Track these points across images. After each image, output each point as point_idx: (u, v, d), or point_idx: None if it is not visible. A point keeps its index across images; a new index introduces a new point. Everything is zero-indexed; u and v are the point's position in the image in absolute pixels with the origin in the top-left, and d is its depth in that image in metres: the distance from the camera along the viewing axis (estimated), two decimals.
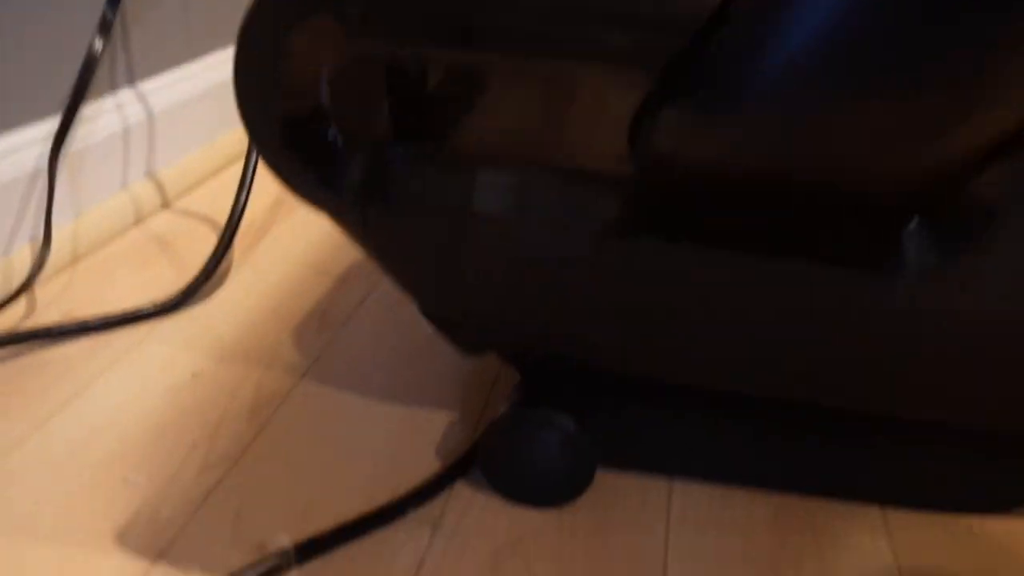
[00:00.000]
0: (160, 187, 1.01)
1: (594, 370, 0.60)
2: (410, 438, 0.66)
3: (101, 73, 0.93)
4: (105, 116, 0.94)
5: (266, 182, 1.09)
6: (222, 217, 1.00)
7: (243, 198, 0.85)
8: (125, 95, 0.98)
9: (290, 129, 0.52)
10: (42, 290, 0.83)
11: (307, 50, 0.50)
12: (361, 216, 0.51)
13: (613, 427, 0.61)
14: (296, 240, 0.95)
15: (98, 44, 0.90)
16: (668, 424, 0.61)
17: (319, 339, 0.77)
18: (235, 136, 1.15)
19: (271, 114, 0.51)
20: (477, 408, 0.69)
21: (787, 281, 0.48)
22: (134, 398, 0.69)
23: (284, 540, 0.54)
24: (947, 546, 0.58)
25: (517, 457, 0.58)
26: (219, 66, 1.14)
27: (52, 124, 0.86)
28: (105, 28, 0.91)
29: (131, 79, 0.99)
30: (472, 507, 0.60)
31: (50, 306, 0.80)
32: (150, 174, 1.01)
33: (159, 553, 0.55)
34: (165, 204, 1.02)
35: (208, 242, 0.94)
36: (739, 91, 0.45)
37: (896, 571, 0.56)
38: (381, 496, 0.60)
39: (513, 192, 0.51)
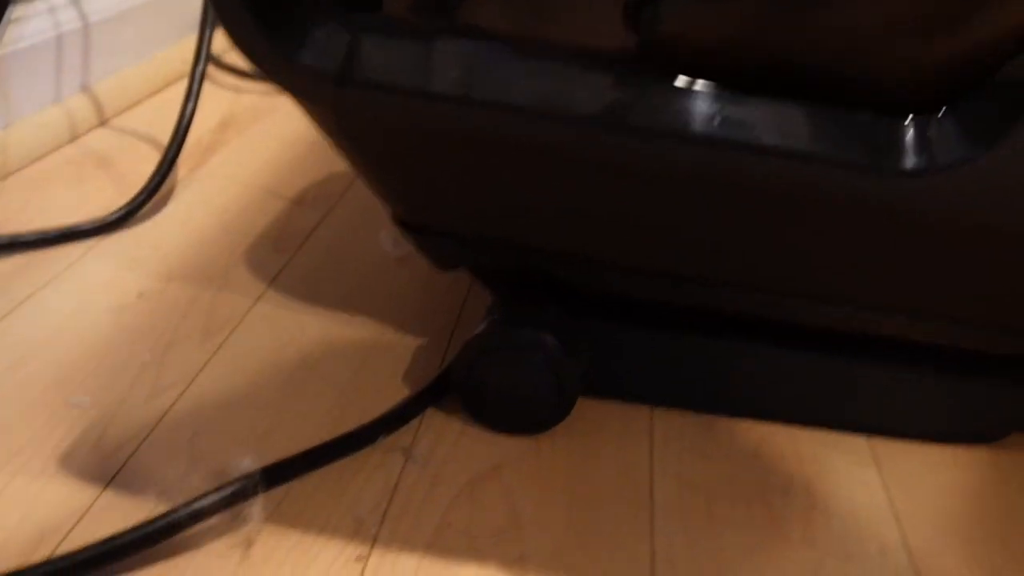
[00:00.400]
0: (96, 102, 0.94)
1: (571, 287, 0.57)
2: (375, 363, 0.62)
3: None
4: (37, 20, 0.86)
5: (212, 102, 1.02)
6: (163, 136, 0.93)
7: (189, 108, 0.79)
8: None
9: None
10: None
11: None
12: (334, 98, 0.46)
13: (592, 352, 0.58)
14: (246, 162, 0.89)
15: None
16: (649, 350, 0.58)
17: (275, 261, 0.73)
18: (177, 53, 1.08)
19: None
20: (445, 333, 0.66)
21: (798, 178, 0.45)
22: (73, 318, 0.63)
23: (247, 464, 0.50)
24: (935, 476, 0.57)
25: (495, 379, 0.55)
26: None
27: None
28: None
29: None
30: (446, 434, 0.56)
31: None
32: (85, 87, 0.94)
33: (108, 479, 0.50)
34: (102, 120, 0.95)
35: (150, 161, 0.87)
36: None
37: (887, 500, 0.54)
38: (347, 423, 0.56)
39: (500, 72, 0.46)
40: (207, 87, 1.03)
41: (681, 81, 0.45)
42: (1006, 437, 0.59)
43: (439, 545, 0.48)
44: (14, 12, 0.83)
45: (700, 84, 0.45)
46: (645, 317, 0.57)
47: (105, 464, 0.51)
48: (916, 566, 0.50)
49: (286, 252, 0.74)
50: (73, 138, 0.90)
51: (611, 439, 0.57)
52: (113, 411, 0.55)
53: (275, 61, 0.46)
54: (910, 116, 0.44)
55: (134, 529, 0.45)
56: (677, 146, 0.45)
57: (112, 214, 0.74)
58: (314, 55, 0.46)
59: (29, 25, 0.85)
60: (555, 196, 0.50)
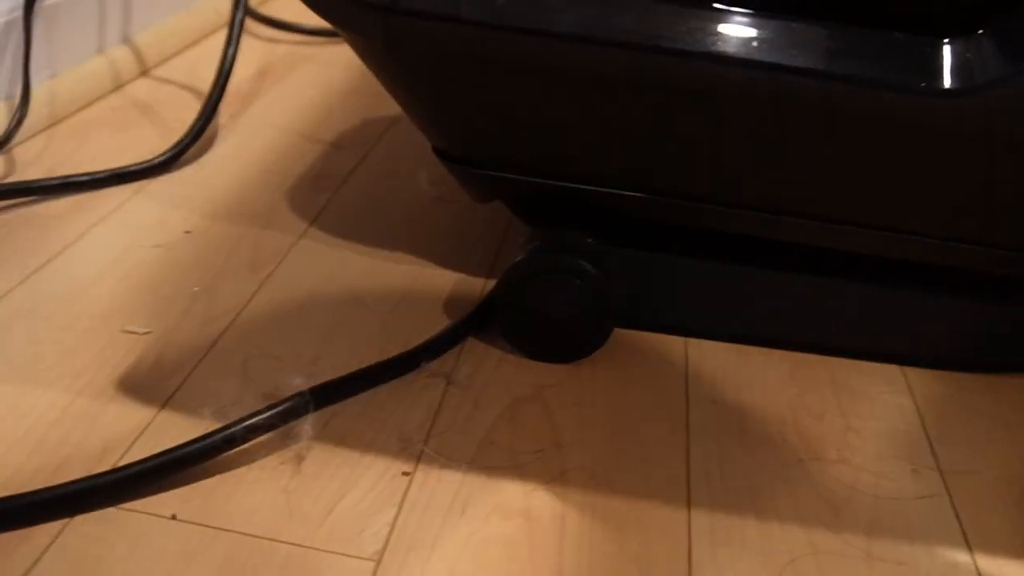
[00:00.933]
0: (138, 52, 0.96)
1: (607, 217, 0.58)
2: (416, 295, 0.63)
3: None
4: None
5: (250, 51, 1.04)
6: (203, 85, 0.95)
7: (231, 53, 0.80)
8: None
9: None
10: (20, 151, 0.78)
11: None
12: (383, 28, 0.48)
13: (627, 284, 0.59)
14: (284, 109, 0.91)
15: None
16: (684, 280, 0.60)
17: (316, 200, 0.74)
18: (212, 3, 1.10)
19: None
20: (483, 267, 0.67)
21: (836, 98, 0.46)
22: (125, 253, 0.65)
23: (298, 384, 0.52)
24: (968, 401, 0.57)
25: (535, 304, 0.56)
26: None
27: None
28: None
29: None
30: (487, 360, 0.58)
31: (30, 166, 0.76)
32: (127, 38, 0.96)
33: (165, 399, 0.52)
34: (143, 70, 0.97)
35: (191, 109, 0.89)
36: None
37: (920, 423, 0.55)
38: (391, 350, 0.58)
39: (545, 2, 0.47)
40: (244, 39, 1.05)
41: (721, 3, 0.46)
42: None
43: (482, 462, 0.50)
44: None
45: (739, 7, 0.46)
46: (680, 246, 0.59)
47: (162, 385, 0.53)
48: (947, 484, 0.51)
49: (327, 192, 0.76)
50: (117, 87, 0.92)
51: (648, 366, 0.58)
52: (167, 337, 0.57)
53: None
54: (948, 36, 0.44)
55: (192, 443, 0.47)
56: (718, 69, 0.46)
57: (158, 156, 0.76)
58: None
59: None
60: (595, 122, 0.51)
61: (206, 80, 0.96)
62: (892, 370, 0.60)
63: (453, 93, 0.52)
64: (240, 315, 0.60)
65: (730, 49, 0.46)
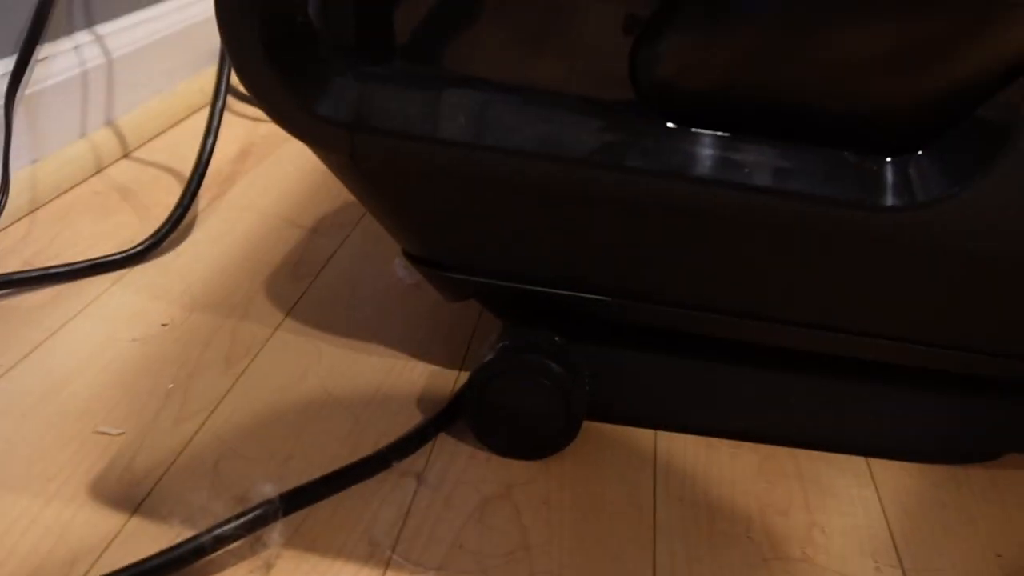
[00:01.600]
0: (120, 135, 0.97)
1: (578, 317, 0.59)
2: (390, 388, 0.64)
3: (58, 13, 0.89)
4: (62, 58, 0.90)
5: (231, 132, 1.05)
6: (185, 167, 0.96)
7: (210, 143, 0.82)
8: (83, 37, 0.94)
9: (274, 48, 0.49)
10: (0, 238, 0.79)
11: None
12: (349, 145, 0.49)
13: (598, 379, 0.60)
14: (264, 191, 0.92)
15: None
16: (652, 375, 0.60)
17: (293, 288, 0.75)
18: (197, 83, 1.12)
19: (254, 31, 0.48)
20: (457, 356, 0.68)
21: (788, 214, 0.47)
22: (102, 348, 0.66)
23: (268, 489, 0.53)
24: (933, 495, 0.58)
25: (504, 405, 0.57)
26: (181, 10, 1.10)
27: (7, 65, 0.82)
28: None
29: (89, 21, 0.95)
30: (457, 458, 0.58)
31: (9, 255, 0.77)
32: (109, 121, 0.97)
33: (136, 505, 0.53)
34: (125, 152, 0.98)
35: (171, 192, 0.90)
36: (743, 7, 0.44)
37: (884, 519, 0.56)
38: (363, 447, 0.58)
39: (505, 120, 0.49)
40: (226, 117, 1.07)
41: (675, 123, 0.48)
42: (1001, 456, 0.61)
43: (451, 567, 0.51)
44: (41, 52, 0.86)
45: (694, 127, 0.47)
46: (647, 342, 0.60)
47: (133, 491, 0.54)
48: None
49: (304, 280, 0.77)
50: (98, 170, 0.93)
51: (617, 461, 0.59)
52: (140, 438, 0.58)
53: (293, 113, 0.48)
54: (893, 155, 0.46)
55: (161, 554, 0.47)
56: (673, 186, 0.48)
57: (137, 246, 0.77)
58: (330, 106, 0.48)
59: (55, 64, 0.89)
60: (558, 233, 0.53)
61: (188, 160, 0.97)
62: (858, 462, 0.61)
63: (418, 205, 0.53)
64: (214, 413, 0.60)
65: (684, 167, 0.48)
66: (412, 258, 0.59)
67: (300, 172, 0.96)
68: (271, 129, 1.07)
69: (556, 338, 0.58)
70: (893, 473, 0.60)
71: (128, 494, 0.53)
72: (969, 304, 0.50)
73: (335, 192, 0.92)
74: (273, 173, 0.96)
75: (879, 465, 0.60)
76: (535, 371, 0.56)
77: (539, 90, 0.49)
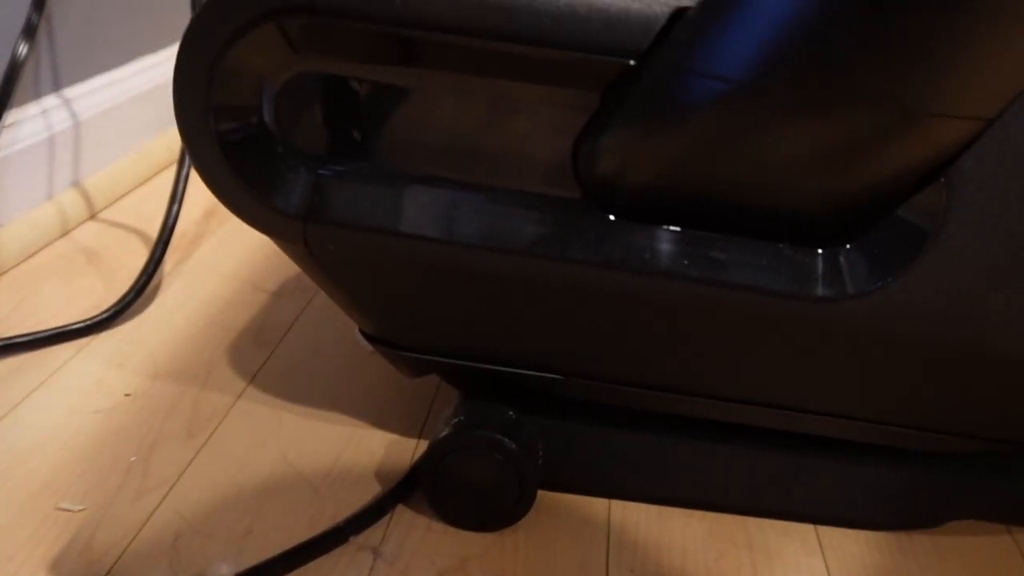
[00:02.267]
0: (87, 196, 0.98)
1: (533, 392, 0.61)
2: (349, 458, 0.65)
3: (26, 79, 0.91)
4: (30, 123, 0.91)
5: (196, 192, 1.06)
6: (150, 227, 0.97)
7: (174, 211, 0.83)
8: (50, 101, 0.95)
9: (230, 146, 0.51)
10: None
11: (249, 65, 0.49)
12: (302, 236, 0.51)
13: (552, 451, 0.62)
14: (228, 254, 0.93)
15: (23, 49, 0.87)
16: (605, 447, 0.62)
17: (256, 355, 0.76)
18: (163, 143, 1.13)
19: (211, 130, 0.50)
20: (416, 425, 0.69)
21: (724, 303, 0.49)
22: (64, 420, 0.67)
23: (224, 569, 0.54)
24: (879, 562, 0.60)
25: (460, 477, 0.58)
26: (147, 71, 1.12)
27: None
28: (30, 32, 0.88)
29: (57, 85, 0.96)
30: (414, 530, 0.60)
31: None
32: (76, 183, 0.98)
33: None
34: (92, 214, 0.99)
35: (137, 254, 0.92)
36: (679, 111, 0.46)
37: None
38: (322, 520, 0.59)
39: (453, 212, 0.51)
40: (192, 174, 1.08)
41: (617, 217, 0.50)
42: (943, 523, 0.63)
43: None
44: (8, 118, 0.88)
45: (636, 220, 0.50)
46: (600, 415, 0.61)
47: (92, 569, 0.54)
48: None
49: (267, 346, 0.78)
50: (64, 232, 0.94)
51: (570, 532, 0.60)
52: (101, 514, 0.58)
53: (249, 205, 0.50)
54: (824, 247, 0.49)
55: None
56: (614, 276, 0.50)
57: (101, 314, 0.78)
58: (283, 199, 0.50)
59: (23, 128, 0.90)
60: (508, 317, 0.55)
61: (153, 220, 0.98)
62: (807, 530, 0.62)
63: (371, 290, 0.55)
64: (174, 487, 0.61)
65: (627, 259, 0.50)
66: (368, 337, 0.60)
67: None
68: None
69: (510, 412, 0.60)
70: (840, 540, 0.61)
71: (87, 573, 0.54)
72: (895, 384, 0.53)
73: None
74: (238, 234, 0.97)
75: (827, 533, 0.62)
76: (489, 447, 0.57)
77: (486, 186, 0.51)
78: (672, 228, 0.49)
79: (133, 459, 0.64)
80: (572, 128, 0.49)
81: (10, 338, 0.74)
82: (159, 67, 1.14)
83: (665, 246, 0.49)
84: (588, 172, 0.49)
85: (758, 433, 0.60)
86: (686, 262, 0.48)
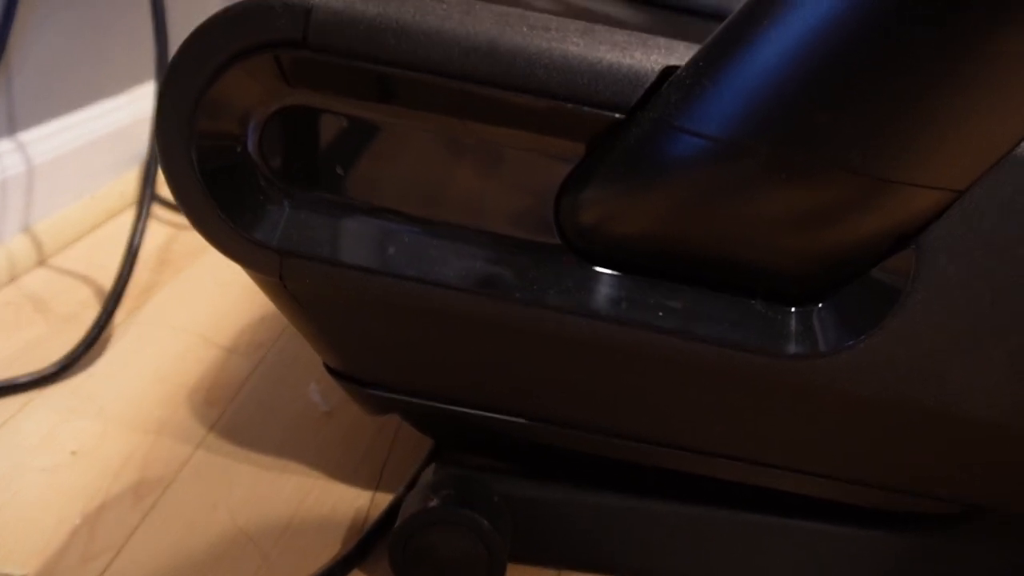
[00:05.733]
0: (37, 242, 0.97)
1: (497, 446, 0.61)
2: (301, 521, 0.65)
3: None
4: None
5: (150, 241, 1.06)
6: (101, 275, 0.96)
7: (126, 271, 0.82)
8: (3, 145, 0.94)
9: (212, 177, 0.51)
10: None
11: (237, 95, 0.50)
12: (278, 268, 0.52)
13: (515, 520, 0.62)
14: (182, 305, 0.93)
15: None
16: (556, 516, 0.62)
17: (208, 413, 0.75)
18: (116, 189, 1.12)
19: (192, 161, 0.50)
20: (369, 487, 0.69)
21: (697, 356, 0.50)
22: (8, 480, 0.65)
23: None
24: None
25: (432, 555, 0.58)
26: (104, 116, 1.11)
27: None
28: None
29: (12, 128, 0.95)
30: None
31: None
32: (27, 227, 0.97)
33: None
34: (41, 260, 0.98)
35: (87, 303, 0.90)
36: (662, 166, 0.48)
37: None
38: None
39: (431, 254, 0.51)
40: (149, 227, 1.07)
41: (597, 266, 0.51)
42: None
43: None
44: None
45: (615, 270, 0.51)
46: (550, 483, 0.62)
47: None
48: None
49: (219, 404, 0.77)
50: (12, 279, 0.93)
51: None
52: None
53: (228, 237, 0.51)
54: (798, 305, 0.51)
55: None
56: (591, 324, 0.51)
57: (50, 367, 0.77)
58: (262, 231, 0.51)
59: None
60: (481, 361, 0.55)
61: (104, 268, 0.97)
62: None
63: (342, 326, 0.55)
64: (120, 553, 0.60)
65: (603, 307, 0.51)
66: (333, 372, 0.61)
67: (219, 285, 0.97)
68: (191, 237, 1.08)
69: (484, 484, 0.59)
70: None
71: None
72: (865, 442, 0.54)
73: (253, 308, 0.93)
74: (191, 286, 0.97)
75: None
76: (466, 526, 0.57)
77: (466, 227, 0.52)
78: (649, 279, 0.51)
79: (78, 522, 0.62)
80: (556, 176, 0.51)
81: None
82: (116, 112, 1.13)
83: (641, 296, 0.50)
84: (569, 220, 0.51)
85: (721, 498, 0.61)
86: (661, 313, 0.50)
